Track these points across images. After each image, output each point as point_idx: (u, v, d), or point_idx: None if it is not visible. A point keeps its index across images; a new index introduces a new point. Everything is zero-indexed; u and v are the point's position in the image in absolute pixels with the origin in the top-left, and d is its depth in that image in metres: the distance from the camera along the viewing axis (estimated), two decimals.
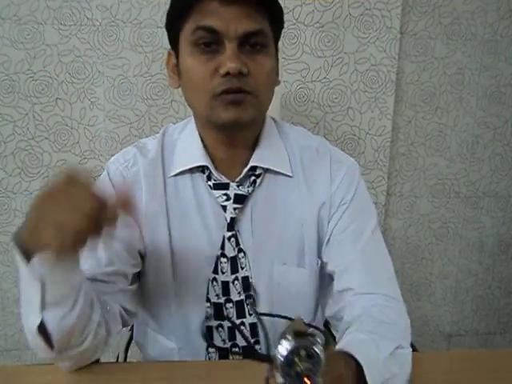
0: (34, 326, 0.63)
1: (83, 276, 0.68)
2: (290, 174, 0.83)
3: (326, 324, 0.99)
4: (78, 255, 0.60)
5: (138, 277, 0.85)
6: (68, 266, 0.62)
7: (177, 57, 0.78)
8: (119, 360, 1.05)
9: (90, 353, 0.73)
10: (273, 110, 1.37)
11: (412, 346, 0.73)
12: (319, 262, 0.85)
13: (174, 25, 0.75)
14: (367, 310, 0.74)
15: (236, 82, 0.70)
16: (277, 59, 0.80)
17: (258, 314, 0.66)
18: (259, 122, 0.81)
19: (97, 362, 0.79)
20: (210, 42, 0.71)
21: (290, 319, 0.55)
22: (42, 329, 0.63)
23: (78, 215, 0.53)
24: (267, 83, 0.75)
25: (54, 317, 0.63)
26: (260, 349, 0.86)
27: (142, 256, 0.83)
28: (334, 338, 0.83)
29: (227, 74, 0.69)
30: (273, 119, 0.88)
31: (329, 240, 0.83)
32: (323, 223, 0.84)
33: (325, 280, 0.88)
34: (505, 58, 1.49)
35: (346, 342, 0.67)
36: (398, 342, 0.68)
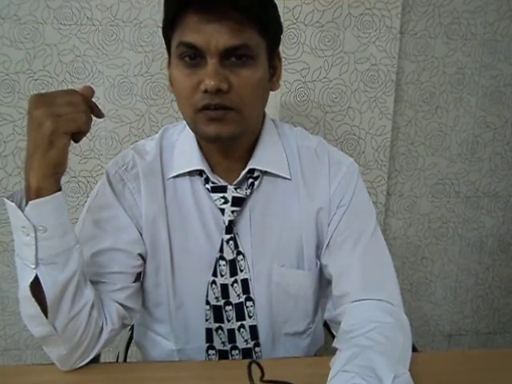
0: (27, 282, 0.65)
1: (75, 241, 0.69)
2: (288, 177, 0.83)
3: (326, 324, 0.99)
4: (63, 201, 0.67)
5: (141, 275, 0.85)
6: (57, 211, 0.66)
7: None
8: (119, 360, 1.05)
9: (85, 343, 0.72)
10: (273, 110, 1.38)
11: (412, 346, 0.73)
12: (318, 263, 0.85)
13: (165, 34, 0.75)
14: (363, 327, 0.71)
15: (216, 99, 0.69)
16: (273, 65, 0.78)
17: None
18: (247, 133, 0.79)
19: (97, 361, 0.79)
20: (195, 56, 0.70)
21: None
22: (35, 292, 0.66)
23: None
24: (253, 97, 0.73)
25: (47, 272, 0.66)
26: (260, 351, 0.86)
27: (144, 258, 0.83)
28: (333, 336, 0.83)
29: (206, 90, 0.68)
30: (272, 121, 0.87)
31: (329, 243, 0.83)
32: (322, 225, 0.83)
33: (324, 281, 0.88)
34: (505, 58, 1.49)
35: None
36: (395, 371, 0.63)
